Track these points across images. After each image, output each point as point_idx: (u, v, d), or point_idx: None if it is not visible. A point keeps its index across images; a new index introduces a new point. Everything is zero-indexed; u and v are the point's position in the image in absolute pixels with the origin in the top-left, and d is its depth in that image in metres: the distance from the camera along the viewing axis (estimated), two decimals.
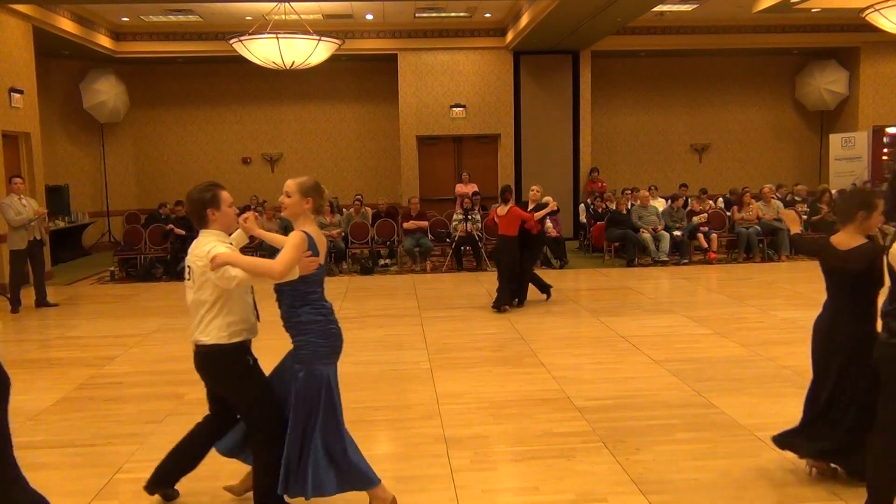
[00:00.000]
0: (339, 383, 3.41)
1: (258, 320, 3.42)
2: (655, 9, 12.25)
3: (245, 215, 3.53)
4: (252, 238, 3.63)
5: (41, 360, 6.57)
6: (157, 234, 11.86)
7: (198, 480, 3.65)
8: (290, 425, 3.26)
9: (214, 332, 3.21)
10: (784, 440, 3.75)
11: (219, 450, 3.53)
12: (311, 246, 3.23)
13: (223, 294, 3.19)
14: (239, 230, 3.50)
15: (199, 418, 3.53)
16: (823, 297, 3.61)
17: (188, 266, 3.27)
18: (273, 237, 3.78)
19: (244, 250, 3.67)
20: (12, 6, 10.77)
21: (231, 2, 12.11)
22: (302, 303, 3.26)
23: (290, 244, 3.15)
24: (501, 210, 8.52)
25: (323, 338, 3.28)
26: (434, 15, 14.11)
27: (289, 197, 3.31)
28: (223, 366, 3.27)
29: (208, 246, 3.16)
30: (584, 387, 5.30)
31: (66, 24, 12.30)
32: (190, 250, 3.28)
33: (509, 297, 8.35)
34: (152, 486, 3.53)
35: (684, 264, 11.66)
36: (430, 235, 12.12)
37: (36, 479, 3.93)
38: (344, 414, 3.37)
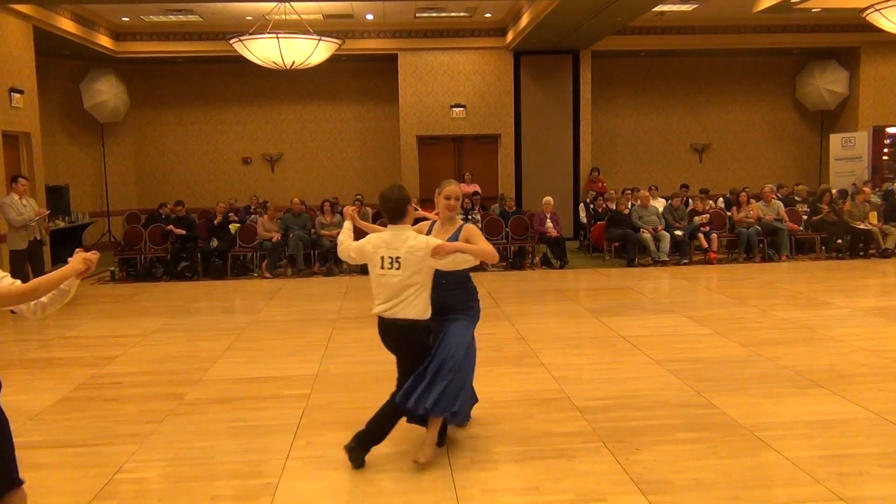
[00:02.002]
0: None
1: None
2: (655, 9, 12.25)
3: (350, 207, 4.33)
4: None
5: (41, 360, 6.56)
6: (157, 234, 11.85)
7: None
8: (456, 364, 3.89)
9: (422, 309, 3.84)
10: None
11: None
12: None
13: (428, 277, 3.82)
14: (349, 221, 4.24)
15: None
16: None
17: (396, 258, 3.79)
18: (367, 225, 4.42)
19: None
20: (12, 6, 10.77)
21: (231, 2, 12.11)
22: (467, 273, 4.08)
23: (480, 234, 3.97)
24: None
25: (479, 301, 4.17)
26: (434, 15, 14.12)
27: (457, 200, 4.08)
28: (422, 334, 3.91)
29: (421, 240, 3.78)
30: (584, 387, 5.29)
31: (67, 24, 12.31)
32: (397, 244, 3.78)
33: None
34: (355, 446, 3.90)
35: (684, 264, 11.66)
36: None
37: (36, 479, 3.95)
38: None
